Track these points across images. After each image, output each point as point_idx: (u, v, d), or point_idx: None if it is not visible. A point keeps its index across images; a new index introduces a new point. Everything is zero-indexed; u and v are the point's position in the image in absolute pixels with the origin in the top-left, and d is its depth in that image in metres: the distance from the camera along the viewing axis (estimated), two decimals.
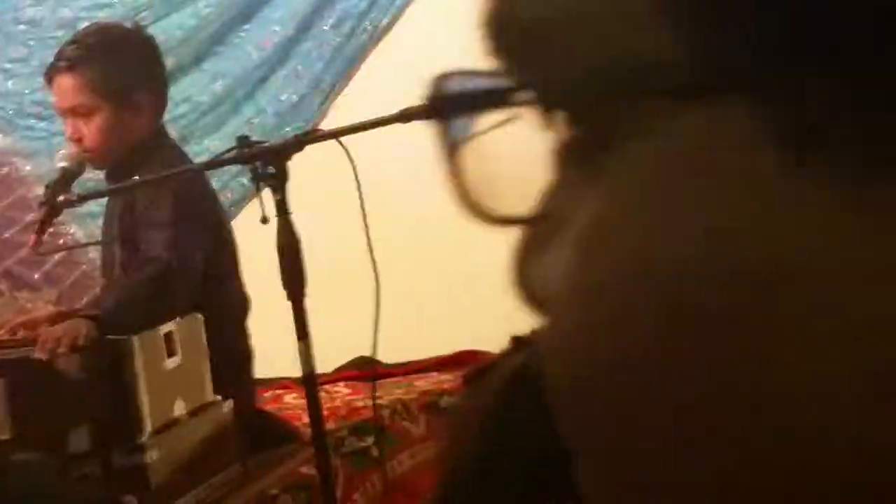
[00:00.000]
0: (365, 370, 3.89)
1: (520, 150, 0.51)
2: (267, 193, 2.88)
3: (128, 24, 3.64)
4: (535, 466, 1.05)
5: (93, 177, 3.59)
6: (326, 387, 3.09)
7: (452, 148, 0.52)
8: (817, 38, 0.40)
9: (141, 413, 2.90)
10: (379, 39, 4.67)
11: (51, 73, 3.41)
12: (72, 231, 4.36)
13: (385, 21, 4.64)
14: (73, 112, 3.37)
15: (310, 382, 2.86)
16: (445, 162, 0.52)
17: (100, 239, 3.75)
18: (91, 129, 3.35)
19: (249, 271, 3.52)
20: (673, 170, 0.43)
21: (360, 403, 3.66)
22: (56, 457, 2.82)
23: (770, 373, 0.41)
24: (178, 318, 3.08)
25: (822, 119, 0.40)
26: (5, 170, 4.76)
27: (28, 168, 4.68)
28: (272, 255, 2.86)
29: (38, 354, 2.87)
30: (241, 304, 3.49)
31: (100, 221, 3.79)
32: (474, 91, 0.50)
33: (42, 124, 4.66)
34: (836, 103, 0.41)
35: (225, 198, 4.28)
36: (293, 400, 3.83)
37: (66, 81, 3.36)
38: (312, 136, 3.05)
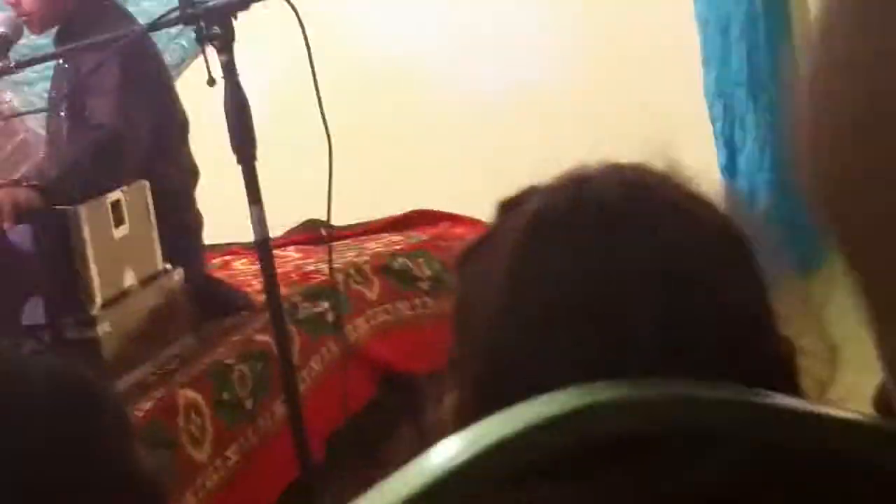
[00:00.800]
0: (313, 233, 3.83)
1: None
2: (212, 54, 2.78)
3: None
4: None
5: (27, 42, 3.47)
6: (276, 251, 3.01)
7: None
8: None
9: (91, 284, 2.84)
10: None
11: None
12: (7, 99, 4.23)
13: None
14: None
15: (264, 248, 2.79)
16: None
17: (38, 107, 3.65)
18: None
19: (193, 135, 3.44)
20: None
21: (312, 268, 3.60)
22: (8, 330, 2.76)
23: None
24: (124, 187, 3.00)
25: None
26: None
27: None
28: (215, 117, 2.78)
29: None
30: (189, 172, 3.41)
31: (36, 88, 3.68)
32: None
33: None
34: None
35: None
36: (242, 266, 3.77)
37: None
38: None
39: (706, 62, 3.85)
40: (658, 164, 1.09)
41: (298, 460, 2.75)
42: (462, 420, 0.73)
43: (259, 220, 2.79)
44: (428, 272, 3.64)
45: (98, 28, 3.17)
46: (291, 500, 2.97)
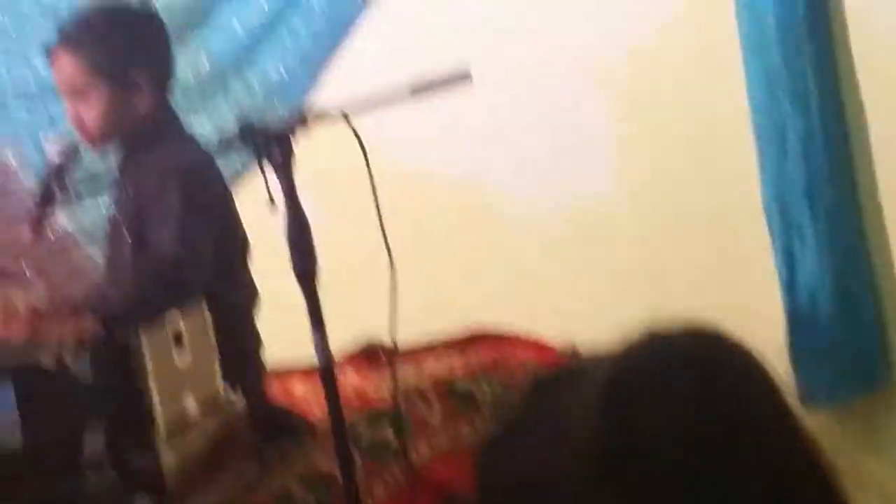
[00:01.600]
0: (372, 355, 3.78)
1: None
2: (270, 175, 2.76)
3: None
4: None
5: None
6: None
7: None
8: None
9: (153, 413, 2.83)
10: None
11: (51, 51, 3.29)
12: (60, 221, 4.21)
13: None
14: (72, 92, 3.24)
15: (328, 375, 2.75)
16: None
17: (91, 230, 3.66)
18: (89, 111, 3.23)
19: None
20: None
21: (371, 391, 3.55)
22: (69, 462, 2.74)
23: None
24: (185, 313, 2.98)
25: None
26: None
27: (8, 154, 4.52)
28: (271, 238, 2.77)
29: (45, 359, 2.76)
30: (250, 294, 3.38)
31: (90, 213, 3.70)
32: None
33: (23, 107, 4.47)
34: None
35: None
36: (303, 389, 3.72)
37: (65, 60, 3.24)
38: (318, 114, 2.91)
39: (763, 171, 3.82)
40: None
41: None
42: None
43: (322, 346, 2.75)
44: (490, 396, 3.59)
45: (160, 147, 3.17)
46: None
